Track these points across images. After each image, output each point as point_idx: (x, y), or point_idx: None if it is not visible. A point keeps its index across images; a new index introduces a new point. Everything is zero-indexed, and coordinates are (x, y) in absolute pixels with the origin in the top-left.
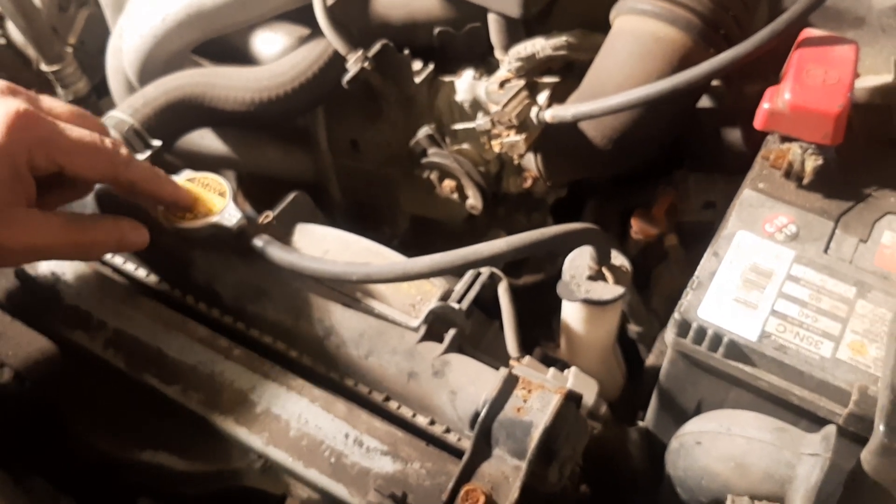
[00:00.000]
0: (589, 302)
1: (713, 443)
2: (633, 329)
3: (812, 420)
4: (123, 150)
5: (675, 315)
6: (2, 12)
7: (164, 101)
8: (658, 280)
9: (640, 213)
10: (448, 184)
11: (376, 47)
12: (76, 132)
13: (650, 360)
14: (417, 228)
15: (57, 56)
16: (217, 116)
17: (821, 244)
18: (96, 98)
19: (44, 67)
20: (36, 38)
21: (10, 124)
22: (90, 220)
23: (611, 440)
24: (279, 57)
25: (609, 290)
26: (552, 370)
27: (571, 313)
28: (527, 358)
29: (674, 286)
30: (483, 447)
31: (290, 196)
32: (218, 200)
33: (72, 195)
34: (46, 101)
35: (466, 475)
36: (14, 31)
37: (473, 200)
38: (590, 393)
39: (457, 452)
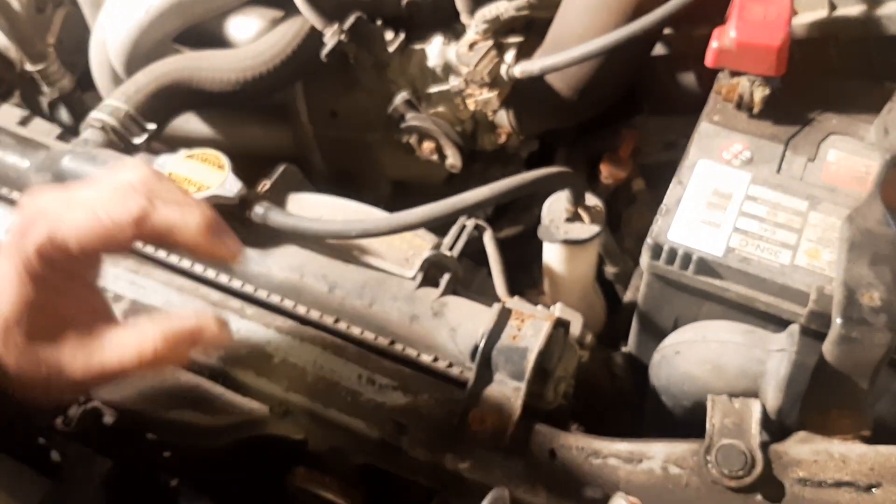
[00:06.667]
0: (569, 242)
1: (691, 350)
2: (610, 270)
3: (777, 324)
4: (136, 201)
5: (648, 240)
6: None
7: (154, 87)
8: (628, 222)
9: (609, 157)
10: (427, 145)
11: (351, 20)
12: (74, 213)
13: (627, 297)
14: (399, 193)
15: (40, 55)
16: (205, 98)
17: (773, 166)
18: (80, 93)
19: (28, 67)
20: (19, 39)
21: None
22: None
23: (598, 365)
24: (254, 39)
25: (586, 229)
26: (540, 306)
27: (553, 255)
28: (516, 297)
29: (644, 226)
30: (485, 374)
31: (280, 168)
32: (217, 173)
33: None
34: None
35: (473, 400)
36: None
37: (453, 159)
38: (575, 324)
39: (461, 384)
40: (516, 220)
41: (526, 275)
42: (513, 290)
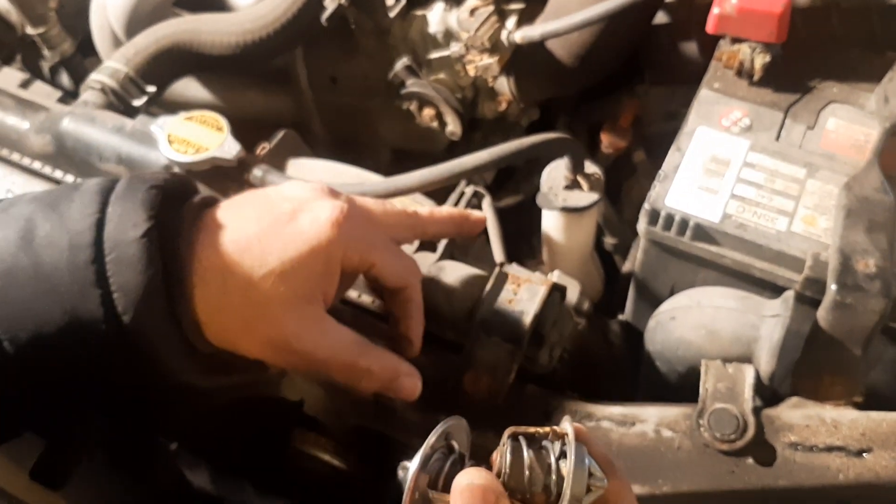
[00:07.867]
0: (567, 209)
1: (686, 316)
2: (609, 241)
3: (773, 290)
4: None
5: (645, 206)
6: None
7: (154, 50)
8: (629, 193)
9: (609, 126)
10: (427, 112)
11: None
12: (388, 237)
13: (626, 267)
14: (399, 161)
15: (41, 18)
16: (205, 61)
17: (772, 133)
18: (81, 57)
19: (29, 30)
20: (20, 2)
21: (335, 221)
22: (373, 347)
23: (594, 333)
24: (254, 3)
25: (585, 197)
26: (537, 273)
27: (551, 222)
28: (513, 263)
29: (644, 197)
30: (480, 337)
31: (280, 133)
32: (216, 135)
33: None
34: (359, 200)
35: (468, 362)
36: None
37: (452, 126)
38: (573, 291)
39: (457, 347)
40: (517, 189)
41: (525, 245)
42: (511, 259)
